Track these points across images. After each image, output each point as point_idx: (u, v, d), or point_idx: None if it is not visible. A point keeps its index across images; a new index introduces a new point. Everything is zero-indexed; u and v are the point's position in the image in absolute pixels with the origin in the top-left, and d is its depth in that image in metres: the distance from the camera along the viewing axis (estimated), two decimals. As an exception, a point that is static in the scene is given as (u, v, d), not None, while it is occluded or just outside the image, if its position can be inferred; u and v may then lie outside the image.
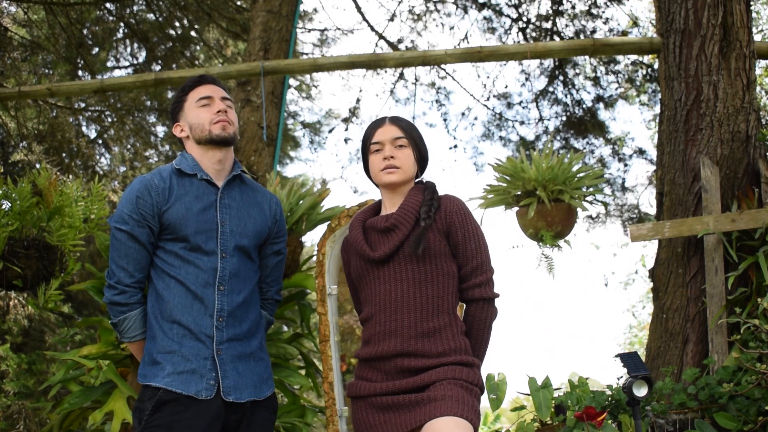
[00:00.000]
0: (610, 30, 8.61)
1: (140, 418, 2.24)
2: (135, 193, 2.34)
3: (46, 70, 8.81)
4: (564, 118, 8.76)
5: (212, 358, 2.27)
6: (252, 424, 2.34)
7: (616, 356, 2.99)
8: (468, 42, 9.28)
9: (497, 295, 2.24)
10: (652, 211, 8.48)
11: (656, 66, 7.95)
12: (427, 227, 2.19)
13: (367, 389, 2.16)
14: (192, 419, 2.20)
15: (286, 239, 2.63)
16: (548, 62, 8.84)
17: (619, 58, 8.55)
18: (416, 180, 2.37)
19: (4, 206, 3.44)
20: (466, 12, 9.39)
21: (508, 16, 9.12)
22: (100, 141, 9.81)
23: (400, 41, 9.48)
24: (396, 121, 2.33)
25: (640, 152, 8.67)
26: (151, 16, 9.20)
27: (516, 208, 3.85)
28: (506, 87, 11.15)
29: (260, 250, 2.51)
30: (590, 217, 8.76)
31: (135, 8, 9.11)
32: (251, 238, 2.43)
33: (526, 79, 9.01)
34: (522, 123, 9.09)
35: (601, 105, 8.73)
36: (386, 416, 2.10)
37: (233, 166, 2.48)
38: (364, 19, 9.30)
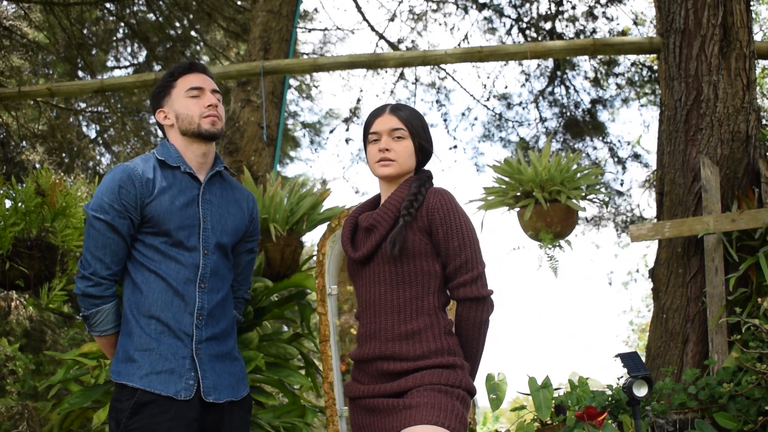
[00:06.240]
0: (610, 31, 8.60)
1: (118, 420, 2.17)
2: (117, 182, 2.22)
3: (46, 70, 8.81)
4: (562, 119, 8.75)
5: (191, 357, 2.22)
6: (231, 425, 2.29)
7: (616, 356, 2.99)
8: (468, 42, 9.27)
9: (489, 293, 2.12)
10: (647, 213, 8.50)
11: (656, 66, 7.95)
12: (403, 226, 2.07)
13: (356, 391, 2.15)
14: (171, 421, 2.15)
15: (259, 238, 2.58)
16: (548, 62, 8.84)
17: (620, 59, 8.55)
18: (419, 171, 2.25)
19: (7, 206, 3.45)
20: (466, 12, 9.38)
21: (508, 16, 9.12)
22: (101, 141, 9.81)
23: (400, 41, 9.47)
24: (396, 110, 2.20)
25: (635, 156, 8.66)
26: (151, 16, 9.20)
27: (517, 209, 3.86)
28: (506, 87, 11.13)
29: (233, 248, 2.45)
30: (586, 219, 8.73)
31: (135, 8, 9.11)
32: (230, 236, 2.38)
33: (526, 80, 9.01)
34: (521, 124, 9.09)
35: (600, 106, 8.73)
36: (371, 419, 2.09)
37: (215, 160, 2.42)
38: (365, 19, 9.30)
